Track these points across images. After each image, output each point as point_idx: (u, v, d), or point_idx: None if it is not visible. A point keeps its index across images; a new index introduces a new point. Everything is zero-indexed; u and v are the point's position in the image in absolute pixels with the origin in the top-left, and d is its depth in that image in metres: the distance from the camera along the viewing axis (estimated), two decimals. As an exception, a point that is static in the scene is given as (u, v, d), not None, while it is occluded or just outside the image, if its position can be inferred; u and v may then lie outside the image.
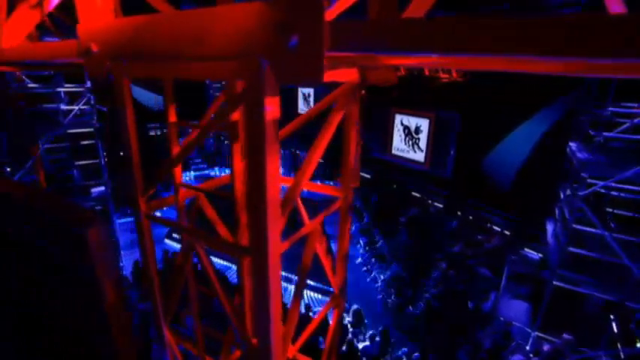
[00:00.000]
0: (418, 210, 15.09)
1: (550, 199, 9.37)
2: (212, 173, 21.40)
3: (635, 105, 6.98)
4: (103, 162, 10.17)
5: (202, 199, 2.58)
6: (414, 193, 16.30)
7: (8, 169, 8.30)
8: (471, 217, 14.00)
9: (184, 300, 3.08)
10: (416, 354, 7.59)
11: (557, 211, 8.39)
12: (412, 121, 15.72)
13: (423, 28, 1.15)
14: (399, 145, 16.48)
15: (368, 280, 11.96)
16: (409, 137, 15.95)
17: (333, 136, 2.13)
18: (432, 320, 8.89)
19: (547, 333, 7.51)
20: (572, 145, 7.64)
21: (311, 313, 8.70)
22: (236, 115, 1.98)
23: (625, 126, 6.67)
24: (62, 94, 9.31)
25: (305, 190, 2.42)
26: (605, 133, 6.90)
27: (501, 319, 8.70)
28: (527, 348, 7.78)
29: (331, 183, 17.88)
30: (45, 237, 1.28)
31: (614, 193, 7.31)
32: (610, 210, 7.35)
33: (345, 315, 9.20)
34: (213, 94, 21.64)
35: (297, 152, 21.12)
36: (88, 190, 10.17)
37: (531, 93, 11.27)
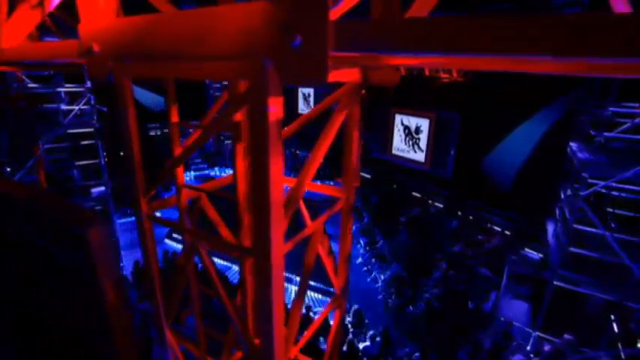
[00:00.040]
0: (418, 210, 15.09)
1: (550, 199, 9.38)
2: (212, 173, 21.39)
3: (636, 105, 6.97)
4: (103, 162, 10.17)
5: (204, 199, 2.57)
6: (414, 193, 16.31)
7: (8, 169, 8.29)
8: (471, 217, 14.01)
9: (185, 300, 3.07)
10: (416, 354, 7.59)
11: (557, 211, 8.39)
12: (412, 121, 15.72)
13: (427, 27, 1.15)
14: (399, 145, 16.48)
15: (368, 280, 11.96)
16: (409, 137, 15.95)
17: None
18: (432, 320, 8.89)
19: (548, 333, 7.51)
20: (573, 145, 7.64)
21: (311, 314, 8.70)
22: (239, 116, 1.98)
23: (626, 126, 6.68)
24: (62, 94, 9.30)
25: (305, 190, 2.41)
26: (605, 133, 6.90)
27: (502, 319, 8.70)
28: (528, 348, 7.78)
29: (331, 183, 17.87)
30: (45, 237, 1.28)
31: (614, 193, 7.31)
32: (611, 210, 7.35)
33: (345, 315, 9.19)
34: (213, 94, 21.63)
35: (298, 152, 21.13)
36: (88, 190, 10.17)
37: (531, 93, 11.27)
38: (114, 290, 1.25)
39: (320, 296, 10.69)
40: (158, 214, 2.39)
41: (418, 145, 15.65)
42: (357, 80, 2.12)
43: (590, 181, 6.31)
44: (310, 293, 10.70)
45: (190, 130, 2.34)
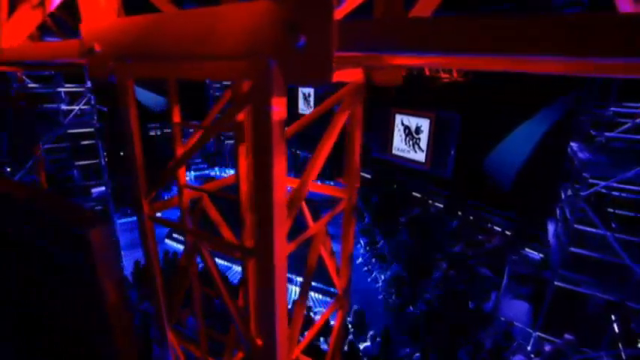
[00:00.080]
0: (419, 210, 15.10)
1: (550, 199, 9.37)
2: (212, 173, 21.37)
3: (637, 105, 6.97)
4: (103, 162, 10.16)
5: (206, 200, 2.56)
6: (414, 193, 16.32)
7: (8, 169, 8.28)
8: (471, 217, 14.01)
9: (185, 300, 3.06)
10: (417, 354, 7.58)
11: (558, 211, 8.39)
12: (413, 121, 15.72)
13: (431, 27, 1.14)
14: (399, 145, 16.48)
15: (369, 280, 11.96)
16: (410, 137, 15.95)
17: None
18: (432, 320, 8.88)
19: (548, 333, 7.51)
20: (574, 145, 7.64)
21: (312, 314, 8.69)
22: (241, 116, 1.97)
23: (627, 126, 6.67)
24: (62, 94, 9.30)
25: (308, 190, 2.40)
26: (606, 133, 6.90)
27: (502, 319, 8.69)
28: (529, 348, 7.78)
29: (331, 183, 17.87)
30: (45, 237, 1.27)
31: (615, 193, 7.31)
32: (611, 210, 7.35)
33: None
34: (213, 94, 21.61)
35: (298, 152, 21.12)
36: (89, 191, 10.17)
37: (531, 93, 11.28)
38: (114, 290, 1.24)
39: (320, 296, 10.68)
40: (158, 215, 2.38)
41: (418, 145, 15.64)
42: (360, 80, 2.11)
43: (590, 181, 6.31)
44: (310, 293, 10.70)
45: (191, 130, 2.33)
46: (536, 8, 7.81)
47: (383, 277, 11.56)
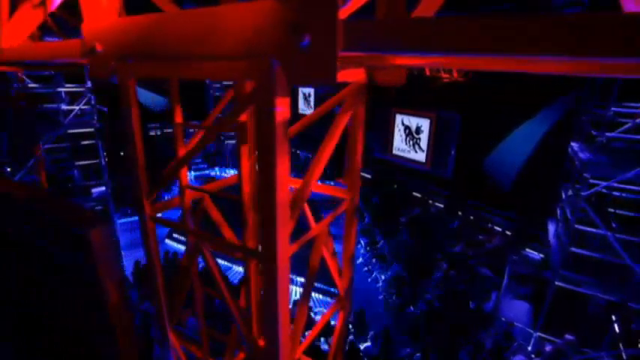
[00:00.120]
0: (419, 210, 15.11)
1: (551, 199, 9.37)
2: (212, 173, 21.39)
3: (638, 105, 6.96)
4: (103, 162, 10.16)
5: (207, 200, 2.55)
6: (414, 193, 16.33)
7: (8, 169, 8.27)
8: (471, 217, 14.02)
9: (185, 300, 3.05)
10: (417, 354, 7.58)
11: (558, 212, 8.38)
12: (413, 121, 15.72)
13: (434, 28, 1.13)
14: (399, 145, 16.48)
15: (369, 280, 11.96)
16: (410, 137, 15.95)
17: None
18: (433, 320, 8.88)
19: (549, 333, 7.50)
20: (574, 145, 7.63)
21: (312, 314, 8.68)
22: (244, 116, 1.96)
23: (627, 126, 6.67)
24: (63, 94, 9.29)
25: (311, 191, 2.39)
26: (607, 134, 6.89)
27: (503, 319, 8.69)
28: (529, 348, 7.77)
29: (332, 183, 17.86)
30: (45, 237, 1.27)
31: (616, 193, 7.31)
32: (612, 210, 7.34)
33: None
34: (214, 94, 21.61)
35: (298, 152, 21.12)
36: (89, 191, 10.17)
37: (531, 93, 11.29)
38: (115, 290, 1.23)
39: (320, 296, 10.67)
40: (159, 215, 2.37)
41: (419, 145, 15.65)
42: (362, 80, 2.10)
43: (591, 181, 6.30)
44: (311, 293, 10.70)
45: (192, 131, 2.31)
46: (536, 8, 7.81)
47: (383, 277, 11.57)
